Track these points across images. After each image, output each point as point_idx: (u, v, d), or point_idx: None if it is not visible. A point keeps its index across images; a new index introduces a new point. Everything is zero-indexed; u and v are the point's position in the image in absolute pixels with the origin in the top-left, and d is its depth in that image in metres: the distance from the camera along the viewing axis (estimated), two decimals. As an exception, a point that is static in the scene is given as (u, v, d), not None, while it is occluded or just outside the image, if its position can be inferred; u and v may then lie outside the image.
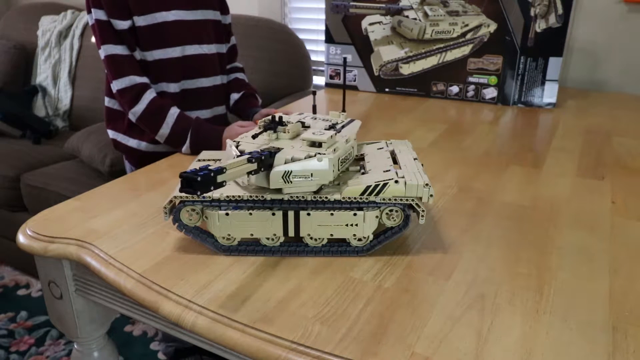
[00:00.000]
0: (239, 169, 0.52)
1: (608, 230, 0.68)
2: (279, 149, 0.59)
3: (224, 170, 0.49)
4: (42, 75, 2.20)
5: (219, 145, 0.96)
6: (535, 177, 0.85)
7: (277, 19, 1.95)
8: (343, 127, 0.67)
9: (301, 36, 1.86)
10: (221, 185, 0.49)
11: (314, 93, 0.68)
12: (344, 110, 0.69)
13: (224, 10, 1.20)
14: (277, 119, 0.65)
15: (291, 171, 0.57)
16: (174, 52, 1.07)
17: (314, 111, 0.67)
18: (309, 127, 0.66)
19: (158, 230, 0.67)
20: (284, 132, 0.63)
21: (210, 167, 0.48)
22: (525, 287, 0.56)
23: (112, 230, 0.67)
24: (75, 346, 0.75)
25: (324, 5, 1.44)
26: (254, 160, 0.54)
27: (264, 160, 0.56)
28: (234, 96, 1.21)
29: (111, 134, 1.14)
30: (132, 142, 1.11)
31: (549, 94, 1.29)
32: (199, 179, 0.46)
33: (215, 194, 0.58)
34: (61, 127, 2.15)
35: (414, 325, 0.49)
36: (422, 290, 0.55)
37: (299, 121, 0.66)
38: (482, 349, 0.46)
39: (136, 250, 0.62)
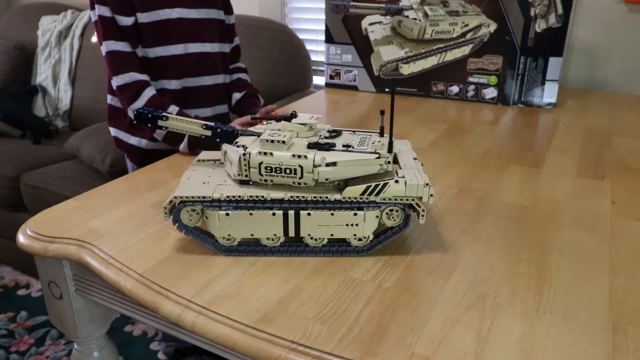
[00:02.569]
0: (188, 126, 0.67)
1: (608, 230, 0.68)
2: (255, 134, 0.64)
3: (164, 118, 0.67)
4: (42, 75, 2.20)
5: (216, 144, 0.97)
6: (535, 177, 0.85)
7: (277, 19, 1.95)
8: (345, 150, 0.62)
9: (301, 36, 1.86)
10: (160, 128, 0.68)
11: (382, 113, 0.62)
12: (390, 146, 0.61)
13: (228, 10, 1.21)
14: (292, 114, 0.66)
15: (227, 151, 0.63)
16: (176, 49, 1.07)
17: (382, 133, 0.65)
18: (336, 135, 0.65)
19: (158, 230, 0.67)
20: (282, 127, 0.64)
21: (160, 113, 0.68)
22: (525, 287, 0.56)
23: (112, 230, 0.67)
24: (75, 346, 0.75)
25: (324, 5, 1.44)
26: (205, 127, 0.67)
27: (220, 133, 0.66)
28: (236, 96, 1.21)
29: (113, 131, 1.15)
30: (133, 140, 1.11)
31: (549, 94, 1.29)
32: (135, 112, 0.68)
33: (216, 194, 0.58)
34: (61, 127, 2.15)
35: (414, 325, 0.49)
36: (422, 290, 0.55)
37: (303, 124, 0.65)
38: (482, 349, 0.46)
39: (136, 250, 0.62)
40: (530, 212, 0.73)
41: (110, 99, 1.13)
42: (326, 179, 0.58)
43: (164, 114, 0.68)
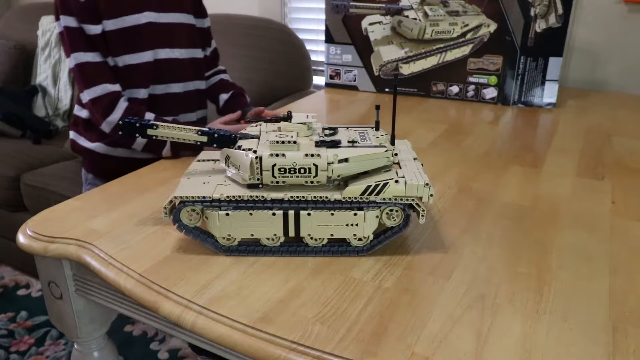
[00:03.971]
0: (182, 134, 0.65)
1: (608, 230, 0.68)
2: (254, 136, 0.64)
3: (155, 127, 0.64)
4: (42, 75, 2.20)
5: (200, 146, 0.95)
6: (535, 177, 0.85)
7: (277, 19, 1.95)
8: (350, 145, 0.63)
9: (301, 36, 1.86)
10: (151, 137, 0.64)
11: (378, 108, 0.62)
12: (392, 139, 0.62)
13: (199, 14, 1.17)
14: (288, 114, 0.66)
15: (229, 156, 0.61)
16: (146, 56, 1.04)
17: (377, 128, 0.65)
18: (333, 133, 0.65)
19: (158, 230, 0.67)
20: (282, 127, 0.64)
21: (149, 122, 0.64)
22: (525, 287, 0.56)
23: (112, 230, 0.67)
24: (75, 346, 0.75)
25: (324, 5, 1.44)
26: (200, 133, 0.64)
27: (217, 138, 0.64)
28: (223, 96, 1.19)
29: (72, 135, 1.12)
30: (88, 144, 1.09)
31: (549, 94, 1.29)
32: (120, 122, 0.64)
33: (216, 194, 0.58)
34: (61, 127, 2.15)
35: (414, 325, 0.49)
36: (422, 290, 0.55)
37: (303, 123, 0.65)
38: (482, 349, 0.46)
39: (136, 250, 0.62)
40: (530, 212, 0.73)
41: (77, 109, 1.10)
42: (338, 176, 0.59)
43: (152, 122, 0.65)
